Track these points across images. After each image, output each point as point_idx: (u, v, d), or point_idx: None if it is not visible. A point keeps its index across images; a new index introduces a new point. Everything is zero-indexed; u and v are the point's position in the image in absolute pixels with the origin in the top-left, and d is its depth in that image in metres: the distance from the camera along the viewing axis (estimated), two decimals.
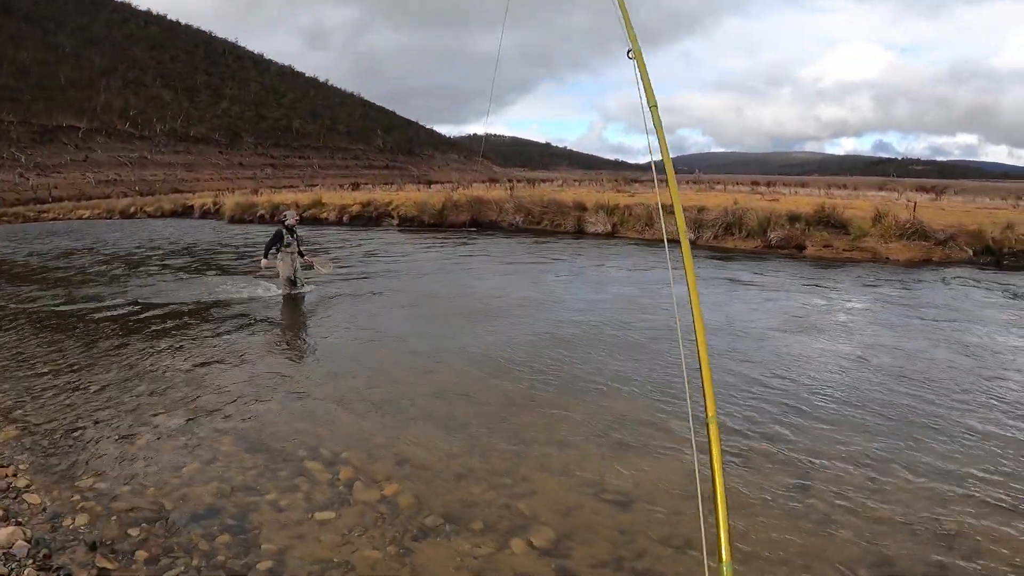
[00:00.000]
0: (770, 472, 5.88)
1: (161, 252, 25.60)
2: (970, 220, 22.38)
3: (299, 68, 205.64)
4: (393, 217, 35.93)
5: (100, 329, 11.95)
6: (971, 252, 20.18)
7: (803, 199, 32.25)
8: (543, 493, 5.54)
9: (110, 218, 53.15)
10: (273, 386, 8.47)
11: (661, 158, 2.92)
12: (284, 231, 14.54)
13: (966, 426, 6.89)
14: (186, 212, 51.36)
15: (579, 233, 27.92)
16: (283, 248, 14.51)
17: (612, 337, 10.65)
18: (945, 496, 5.45)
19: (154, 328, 11.93)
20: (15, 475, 6.01)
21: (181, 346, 10.58)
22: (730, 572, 2.37)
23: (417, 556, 4.72)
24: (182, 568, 4.58)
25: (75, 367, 9.46)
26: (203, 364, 9.55)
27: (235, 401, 7.88)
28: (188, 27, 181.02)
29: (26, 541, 4.83)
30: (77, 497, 5.57)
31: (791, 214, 23.18)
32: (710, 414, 2.54)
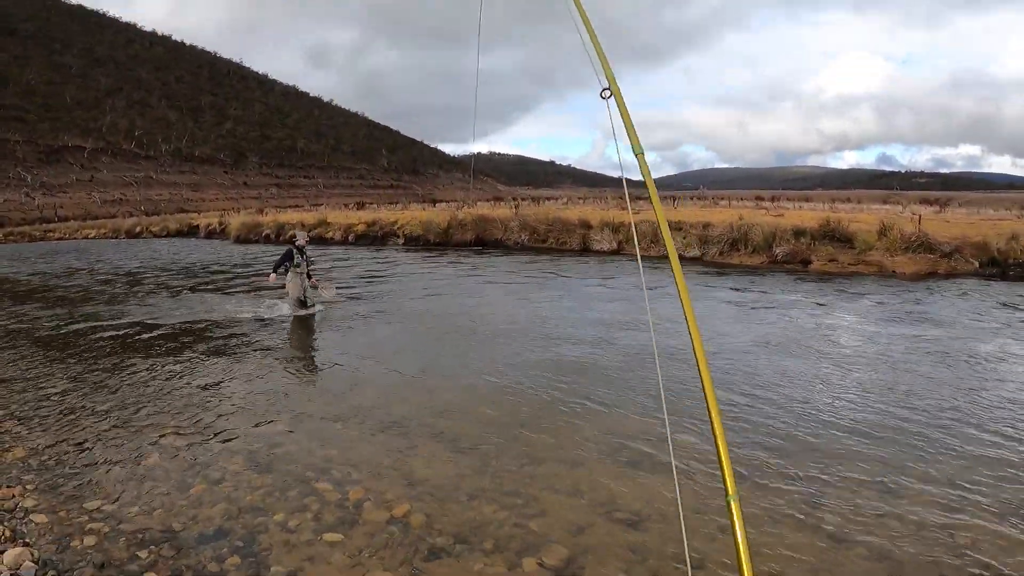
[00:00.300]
0: (782, 491, 5.84)
1: (168, 272, 25.64)
2: (975, 232, 22.33)
3: (303, 88, 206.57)
4: (399, 236, 35.98)
5: (107, 349, 11.95)
6: (977, 264, 20.12)
7: (807, 214, 32.22)
8: (554, 512, 5.50)
9: (116, 238, 53.32)
10: (281, 406, 8.45)
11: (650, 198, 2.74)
12: (294, 251, 14.59)
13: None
14: (191, 232, 51.51)
15: (584, 251, 27.94)
16: (292, 268, 14.57)
17: (622, 356, 10.61)
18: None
19: (161, 348, 11.93)
20: (22, 495, 5.99)
21: (188, 366, 10.56)
22: None
23: None
24: None
25: (82, 387, 9.45)
26: (210, 384, 9.53)
27: (243, 421, 7.86)
28: (193, 47, 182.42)
29: (33, 562, 4.80)
30: (85, 518, 5.54)
31: (796, 229, 23.16)
32: (730, 491, 2.21)
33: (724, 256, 23.74)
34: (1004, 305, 14.59)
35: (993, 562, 4.68)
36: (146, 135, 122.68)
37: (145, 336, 13.03)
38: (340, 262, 26.36)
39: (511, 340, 11.80)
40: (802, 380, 9.16)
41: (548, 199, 71.77)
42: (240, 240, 41.99)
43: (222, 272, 24.91)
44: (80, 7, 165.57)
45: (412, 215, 40.68)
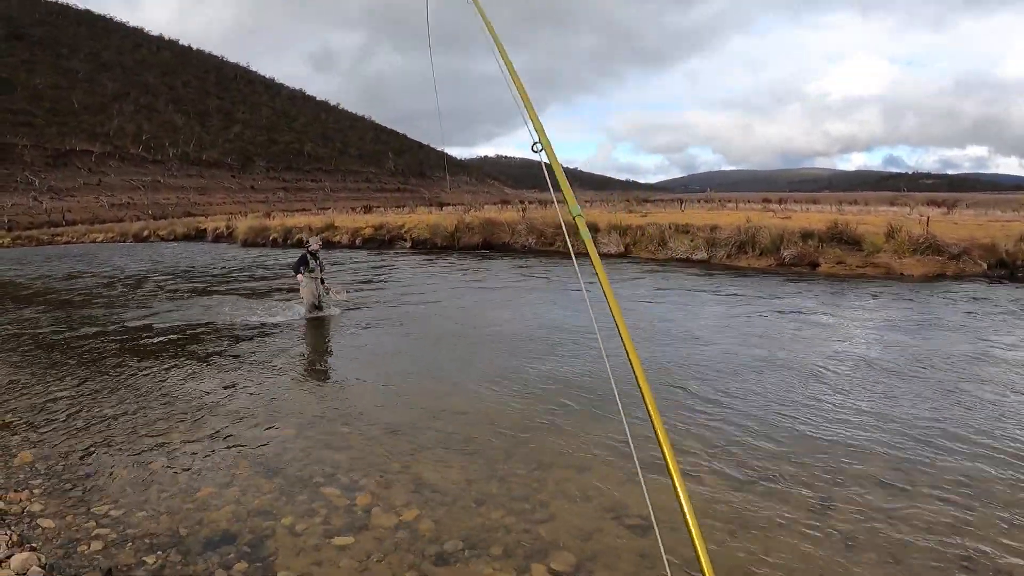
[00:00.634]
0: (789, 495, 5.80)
1: (176, 276, 25.70)
2: (983, 233, 22.22)
3: (310, 92, 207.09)
4: (406, 240, 36.03)
5: (114, 353, 11.96)
6: (985, 266, 20.03)
7: (815, 216, 32.11)
8: (562, 517, 5.46)
9: (124, 241, 53.54)
10: (289, 411, 8.43)
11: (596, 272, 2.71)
12: (308, 256, 14.76)
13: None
14: (199, 236, 51.68)
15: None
16: (307, 272, 14.73)
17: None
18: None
19: (168, 352, 11.94)
20: (30, 500, 5.98)
21: (196, 370, 10.56)
22: None
23: None
24: None
25: (89, 391, 9.45)
26: (218, 388, 9.52)
27: (251, 425, 7.84)
28: (200, 52, 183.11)
29: (40, 567, 4.78)
30: (92, 523, 5.53)
31: (804, 231, 23.09)
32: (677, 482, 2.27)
33: (732, 259, 23.68)
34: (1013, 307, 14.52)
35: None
36: (153, 139, 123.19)
37: (153, 340, 13.05)
38: (347, 266, 26.37)
39: (518, 345, 11.77)
40: (806, 387, 9.11)
41: (557, 202, 71.54)
42: (247, 244, 42.10)
43: (230, 276, 24.95)
44: (87, 12, 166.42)
45: (419, 218, 40.70)
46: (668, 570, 2.37)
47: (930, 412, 7.81)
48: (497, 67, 3.14)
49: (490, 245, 32.24)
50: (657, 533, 2.19)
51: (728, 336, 12.10)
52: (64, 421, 8.14)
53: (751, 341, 11.65)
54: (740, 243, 23.98)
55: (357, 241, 37.71)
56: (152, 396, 9.18)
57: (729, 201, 63.51)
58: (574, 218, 2.82)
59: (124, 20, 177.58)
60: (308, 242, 15.51)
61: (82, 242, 55.07)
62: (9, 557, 4.86)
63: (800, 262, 21.95)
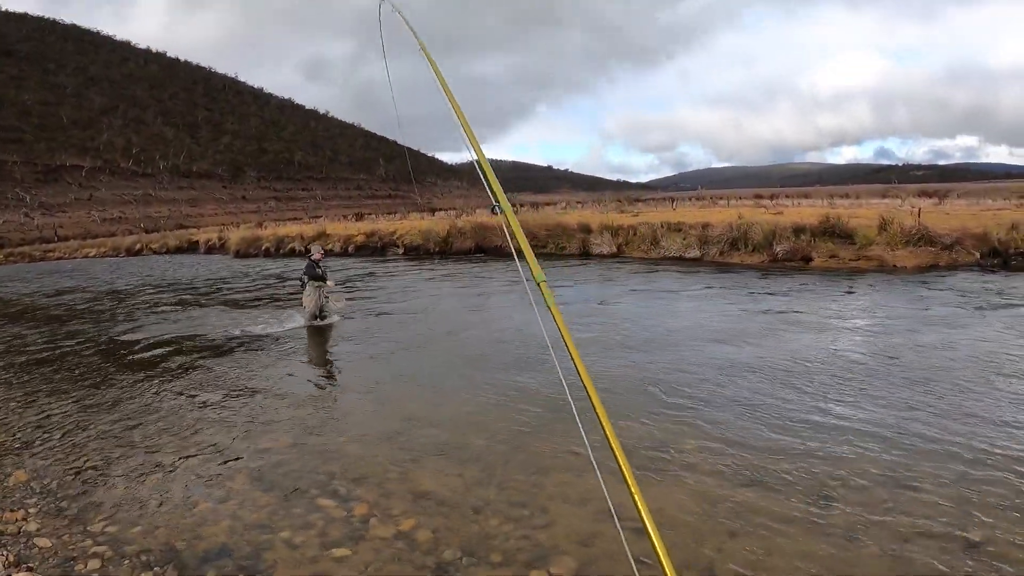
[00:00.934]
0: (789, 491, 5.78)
1: (168, 289, 25.65)
2: (975, 223, 22.27)
3: (299, 101, 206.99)
4: (398, 246, 36.00)
5: (108, 368, 11.92)
6: (978, 255, 20.08)
7: (807, 210, 32.15)
8: (561, 522, 5.44)
9: (116, 256, 53.40)
10: (284, 422, 8.40)
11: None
12: (313, 264, 14.94)
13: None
14: (191, 248, 51.58)
15: (585, 255, 27.91)
16: (310, 282, 14.89)
17: (624, 363, 10.56)
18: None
19: (162, 366, 11.89)
20: (25, 519, 5.94)
21: (190, 383, 10.52)
22: None
23: None
24: None
25: (84, 407, 9.41)
26: (213, 401, 9.48)
27: (246, 438, 7.81)
28: (187, 64, 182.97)
29: None
30: (88, 541, 5.49)
31: (796, 226, 23.11)
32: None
33: (724, 256, 23.69)
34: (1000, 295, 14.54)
35: None
36: (143, 152, 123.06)
37: (145, 354, 13.00)
38: (340, 274, 26.33)
39: (514, 349, 11.75)
40: (810, 380, 9.11)
41: (546, 204, 71.57)
42: (240, 255, 42.02)
43: (223, 287, 24.89)
44: (74, 27, 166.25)
45: (411, 224, 40.66)
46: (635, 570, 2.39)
47: (928, 403, 7.81)
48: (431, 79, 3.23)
49: (483, 249, 32.23)
50: (619, 528, 2.18)
51: (717, 334, 12.09)
52: (59, 438, 8.10)
53: (742, 339, 11.65)
54: (732, 240, 23.99)
55: (349, 249, 37.66)
56: (146, 410, 9.14)
57: (721, 198, 63.66)
58: (538, 284, 2.95)
59: (111, 34, 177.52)
60: (311, 251, 15.74)
61: (74, 257, 54.92)
62: None
63: (793, 257, 21.99)
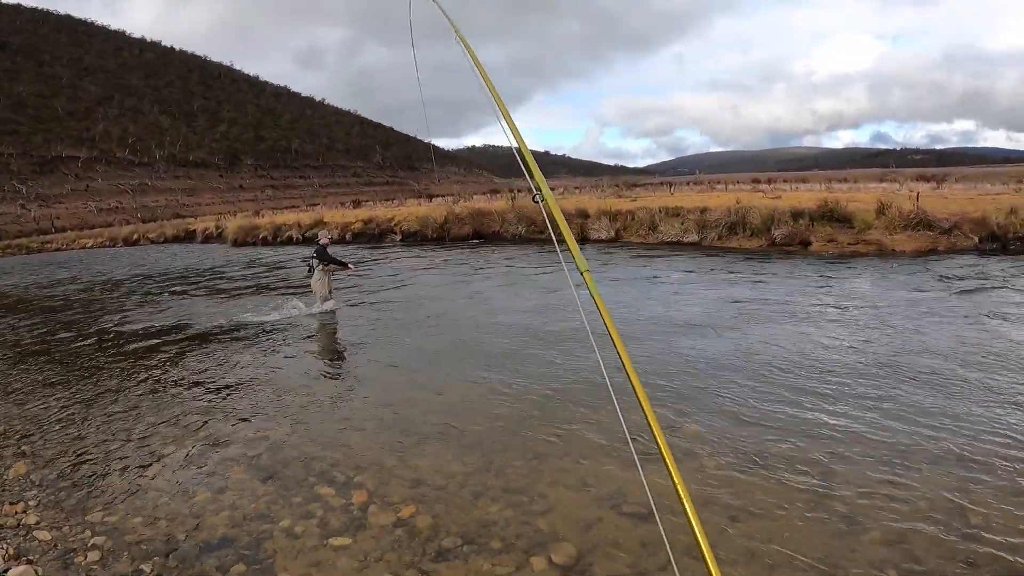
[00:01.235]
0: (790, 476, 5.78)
1: (166, 279, 25.62)
2: (973, 207, 22.23)
3: (295, 88, 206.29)
4: (396, 233, 35.93)
5: (105, 359, 11.91)
6: (976, 239, 20.05)
7: (805, 195, 32.09)
8: (561, 509, 5.43)
9: (113, 246, 53.36)
10: (283, 411, 8.38)
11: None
12: (322, 249, 15.12)
13: None
14: (189, 237, 51.51)
15: (583, 240, 27.84)
16: (319, 267, 15.05)
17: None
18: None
19: (160, 356, 11.88)
20: (25, 512, 5.94)
21: (188, 372, 10.51)
22: None
23: None
24: None
25: (82, 398, 9.40)
26: (212, 391, 9.47)
27: (245, 427, 7.80)
28: (182, 53, 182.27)
29: None
30: (88, 532, 5.50)
31: (794, 210, 23.06)
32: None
33: (723, 240, 23.65)
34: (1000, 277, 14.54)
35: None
36: (139, 142, 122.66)
37: (143, 344, 12.99)
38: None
39: (511, 336, 11.73)
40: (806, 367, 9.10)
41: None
42: (237, 243, 41.95)
43: (220, 276, 24.85)
44: (68, 17, 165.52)
45: (409, 211, 40.58)
46: (671, 555, 2.36)
47: (929, 393, 7.81)
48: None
49: (480, 235, 32.20)
50: (658, 520, 2.15)
51: (718, 318, 12.08)
52: (57, 430, 8.09)
53: (741, 323, 11.65)
54: (731, 224, 23.93)
55: (347, 236, 37.56)
56: (144, 401, 9.13)
57: (718, 183, 63.57)
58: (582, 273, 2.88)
59: (105, 24, 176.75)
60: (319, 237, 15.91)
61: (71, 249, 54.86)
62: (6, 571, 4.83)
63: (791, 241, 21.96)
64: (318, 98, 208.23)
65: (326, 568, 4.80)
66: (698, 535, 2.10)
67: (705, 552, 2.09)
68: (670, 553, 2.61)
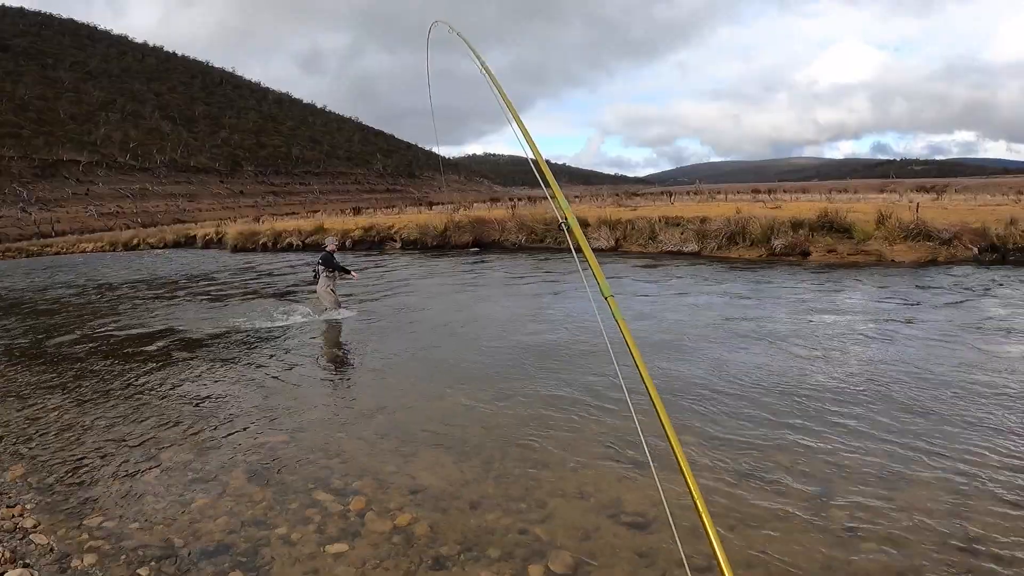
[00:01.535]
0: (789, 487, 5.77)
1: (167, 284, 25.59)
2: (973, 218, 22.27)
3: (296, 94, 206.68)
4: (396, 241, 35.92)
5: (104, 363, 11.88)
6: (976, 250, 20.06)
7: (805, 205, 32.08)
8: (560, 517, 5.43)
9: (113, 250, 53.28)
10: (282, 417, 8.37)
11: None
12: (329, 256, 15.23)
13: None
14: (189, 242, 51.43)
15: (582, 249, 27.80)
16: (325, 274, 15.17)
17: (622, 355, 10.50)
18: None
19: (159, 360, 11.86)
20: (22, 515, 5.93)
21: (186, 378, 10.50)
22: None
23: None
24: None
25: (80, 402, 9.40)
26: (210, 396, 9.47)
27: (243, 433, 7.79)
28: (185, 58, 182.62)
29: None
30: (85, 536, 5.49)
31: (794, 220, 23.07)
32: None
33: (723, 250, 23.67)
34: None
35: None
36: (140, 147, 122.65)
37: (142, 348, 12.97)
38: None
39: (509, 344, 11.74)
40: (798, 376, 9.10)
41: (544, 199, 71.16)
42: (237, 249, 41.94)
43: (221, 282, 24.84)
44: (71, 21, 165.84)
45: (409, 219, 40.58)
46: (686, 564, 2.36)
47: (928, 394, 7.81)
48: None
49: (480, 243, 32.20)
50: (674, 531, 2.14)
51: (717, 330, 12.09)
52: (55, 433, 8.08)
53: (742, 333, 11.65)
54: (730, 234, 23.95)
55: (347, 243, 37.54)
56: (142, 405, 9.11)
57: (719, 193, 63.55)
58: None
59: (108, 28, 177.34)
60: (326, 244, 16.01)
61: (71, 253, 54.74)
62: (3, 574, 4.82)
63: (791, 251, 21.97)
64: (319, 105, 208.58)
65: None
66: (716, 549, 2.12)
67: (722, 562, 2.11)
68: (686, 564, 2.61)
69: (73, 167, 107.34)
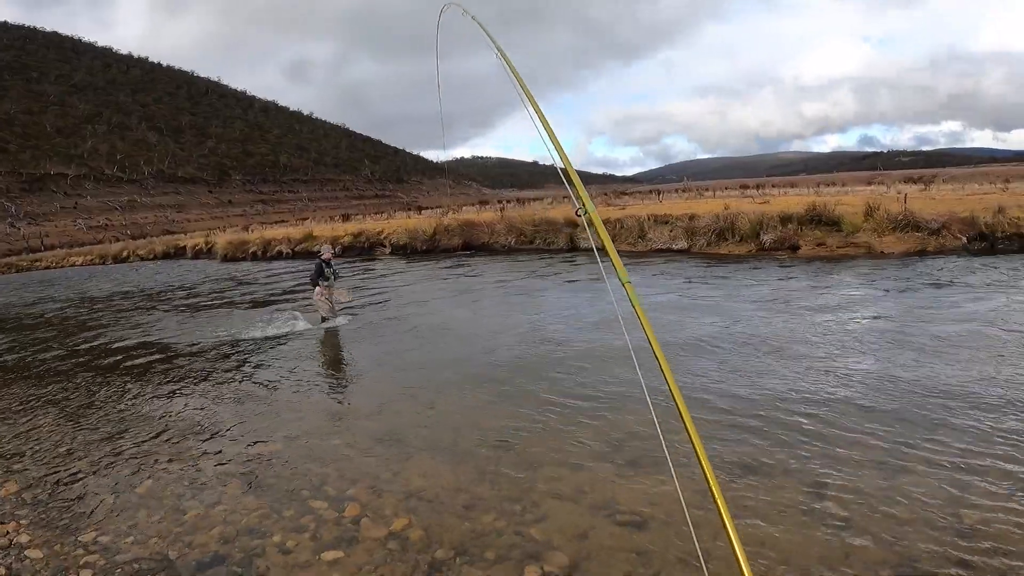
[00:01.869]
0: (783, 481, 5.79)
1: (156, 295, 25.53)
2: (961, 207, 22.33)
3: (283, 103, 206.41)
4: (385, 246, 35.95)
5: (95, 376, 11.85)
6: (965, 239, 20.12)
7: (793, 199, 32.19)
8: (555, 518, 5.42)
9: (103, 263, 53.18)
10: (274, 425, 8.36)
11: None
12: (323, 265, 15.03)
13: None
14: (178, 253, 51.37)
15: (572, 250, 27.88)
16: (322, 282, 15.05)
17: (615, 355, 10.52)
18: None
19: (151, 372, 11.83)
20: (17, 531, 5.90)
21: (178, 389, 10.47)
22: None
23: None
24: None
25: (73, 416, 9.36)
26: (202, 407, 9.44)
27: (236, 443, 7.77)
28: (170, 68, 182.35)
29: None
30: (80, 551, 5.46)
31: (783, 215, 23.14)
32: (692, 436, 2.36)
33: (712, 246, 23.73)
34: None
35: None
36: (128, 159, 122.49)
37: (133, 361, 12.93)
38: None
39: (501, 346, 11.73)
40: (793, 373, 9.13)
41: (533, 200, 71.42)
42: (227, 259, 41.89)
43: (211, 292, 24.79)
44: (55, 34, 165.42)
45: (398, 224, 40.62)
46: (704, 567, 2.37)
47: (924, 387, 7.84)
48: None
49: (470, 247, 32.24)
50: (694, 537, 2.14)
51: (708, 325, 12.11)
52: (48, 448, 8.05)
53: (731, 328, 11.67)
54: (720, 230, 24.01)
55: (337, 249, 37.52)
56: (135, 418, 9.08)
57: (707, 189, 63.75)
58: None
59: (93, 40, 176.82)
60: (321, 252, 15.80)
61: (61, 267, 54.64)
62: None
63: (780, 246, 22.03)
64: (306, 112, 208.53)
65: None
66: (736, 549, 2.12)
67: (741, 561, 2.11)
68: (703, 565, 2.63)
69: (61, 180, 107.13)
